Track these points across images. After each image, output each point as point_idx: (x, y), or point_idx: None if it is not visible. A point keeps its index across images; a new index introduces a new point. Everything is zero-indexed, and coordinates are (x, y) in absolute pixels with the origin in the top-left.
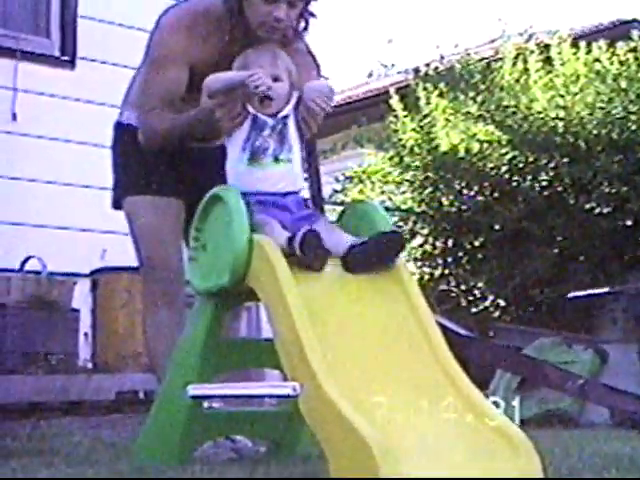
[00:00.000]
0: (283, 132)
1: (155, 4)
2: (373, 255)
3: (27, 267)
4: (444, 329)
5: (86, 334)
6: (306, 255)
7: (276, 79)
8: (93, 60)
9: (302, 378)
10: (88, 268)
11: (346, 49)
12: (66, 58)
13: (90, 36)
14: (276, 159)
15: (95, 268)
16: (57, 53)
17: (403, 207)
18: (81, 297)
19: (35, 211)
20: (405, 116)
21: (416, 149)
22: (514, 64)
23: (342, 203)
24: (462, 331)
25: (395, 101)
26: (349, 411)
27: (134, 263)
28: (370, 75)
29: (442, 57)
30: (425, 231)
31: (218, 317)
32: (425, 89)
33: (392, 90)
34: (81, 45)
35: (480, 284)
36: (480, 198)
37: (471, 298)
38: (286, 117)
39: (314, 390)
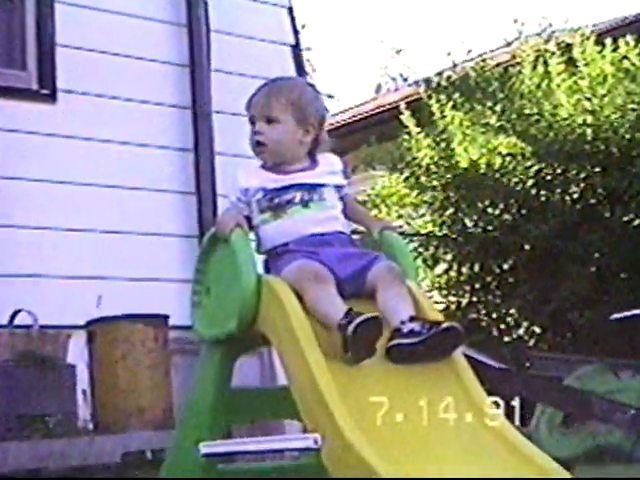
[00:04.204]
0: (310, 187)
1: (139, 28)
2: (423, 355)
3: (16, 321)
4: (475, 362)
5: (84, 391)
6: (352, 347)
7: (269, 120)
8: (75, 92)
9: (324, 429)
10: (83, 319)
11: (352, 62)
12: (46, 91)
13: (70, 66)
14: (305, 205)
15: (91, 318)
16: (35, 86)
17: (423, 231)
18: (77, 351)
19: (22, 260)
20: (419, 132)
21: (433, 168)
22: (534, 68)
23: (355, 232)
24: (495, 364)
25: (406, 116)
26: (379, 464)
27: (132, 310)
28: (378, 89)
29: (455, 65)
30: (449, 256)
31: (227, 366)
32: (438, 101)
33: (403, 105)
34: (61, 76)
35: (512, 310)
36: (507, 216)
37: (503, 326)
38: (321, 185)
39: (338, 441)
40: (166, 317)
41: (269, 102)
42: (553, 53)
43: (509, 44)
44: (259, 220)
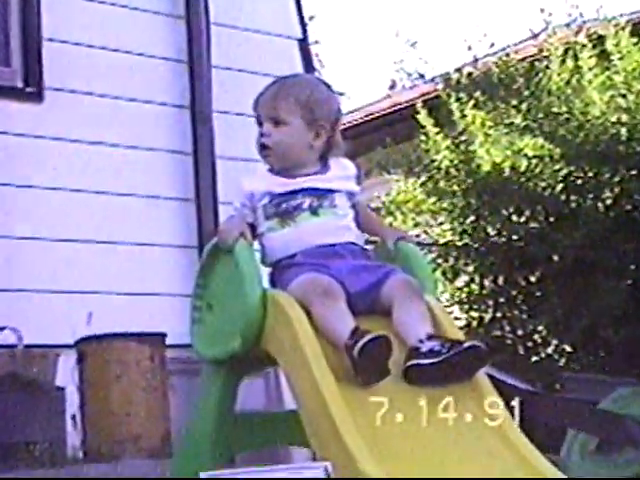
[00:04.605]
0: (321, 193)
1: (133, 20)
2: (443, 376)
3: None
4: (499, 384)
5: (74, 417)
6: (360, 369)
7: (277, 122)
8: (63, 90)
9: (335, 456)
10: (72, 337)
11: (363, 56)
12: (31, 90)
13: (58, 62)
14: (314, 212)
15: (81, 337)
16: (20, 84)
17: (442, 241)
18: (66, 372)
19: (5, 273)
20: (437, 133)
21: (453, 171)
22: (563, 62)
23: (368, 242)
24: (522, 385)
25: (423, 116)
26: None
27: (126, 328)
28: (392, 86)
29: (476, 60)
30: (470, 268)
31: (230, 388)
32: (458, 99)
33: (419, 103)
34: (48, 73)
35: (540, 327)
36: (533, 225)
37: (530, 344)
38: (332, 191)
39: (350, 471)
40: (163, 335)
41: (276, 102)
42: (584, 46)
43: (535, 36)
44: (265, 228)
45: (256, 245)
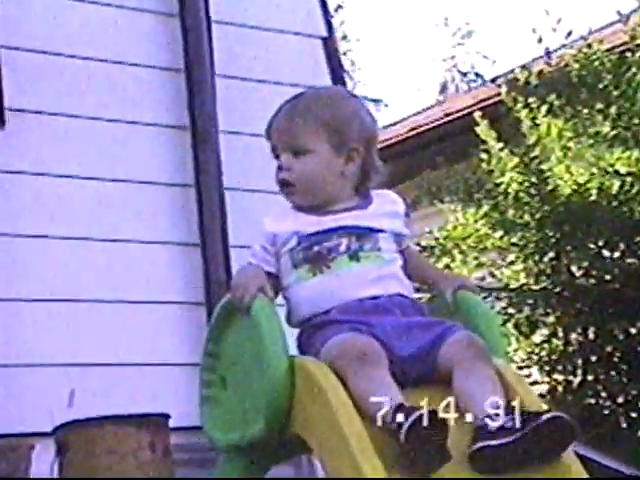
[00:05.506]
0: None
1: (117, 21)
2: (519, 460)
3: None
4: (596, 467)
5: None
6: (410, 456)
7: (297, 151)
8: (31, 111)
9: None
10: (50, 423)
11: (405, 53)
12: None
13: (22, 76)
14: (353, 256)
15: (61, 422)
16: None
17: (513, 285)
18: (43, 468)
19: None
20: (501, 149)
21: (524, 197)
22: None
23: (419, 290)
24: (625, 469)
25: (483, 127)
26: None
27: (118, 409)
28: (443, 90)
29: (548, 53)
30: (551, 318)
31: None
32: (527, 105)
33: (477, 111)
34: (10, 91)
35: None
36: (631, 260)
37: (635, 415)
38: (375, 230)
39: None
40: (166, 417)
41: (293, 127)
42: None
43: (626, 19)
44: (292, 279)
45: (280, 300)
